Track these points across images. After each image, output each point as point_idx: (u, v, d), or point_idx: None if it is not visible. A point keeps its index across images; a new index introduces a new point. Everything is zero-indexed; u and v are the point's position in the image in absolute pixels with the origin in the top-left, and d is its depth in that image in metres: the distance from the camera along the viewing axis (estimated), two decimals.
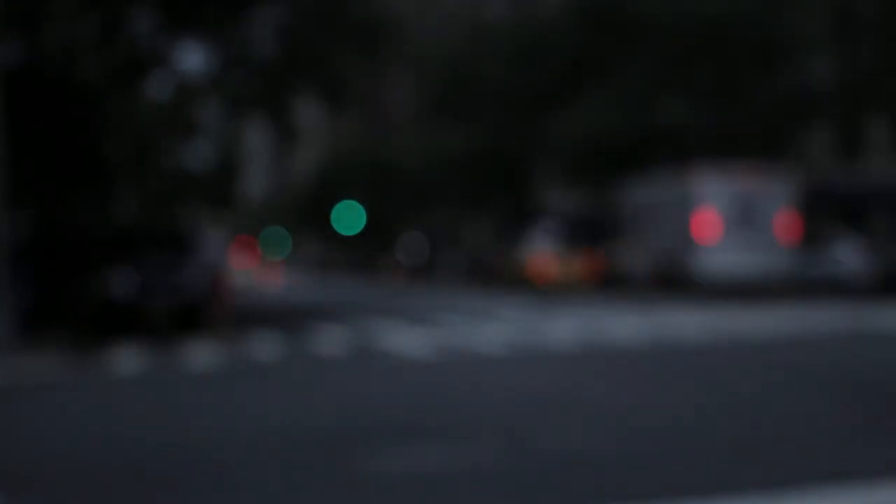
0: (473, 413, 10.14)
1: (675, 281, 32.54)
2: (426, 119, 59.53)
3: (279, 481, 7.32)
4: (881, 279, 30.87)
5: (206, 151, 53.89)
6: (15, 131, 20.72)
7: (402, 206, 67.79)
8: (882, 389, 10.95)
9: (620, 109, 39.86)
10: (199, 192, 54.06)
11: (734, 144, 39.77)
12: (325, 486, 7.15)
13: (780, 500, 6.30)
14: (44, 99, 22.85)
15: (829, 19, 42.20)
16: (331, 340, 18.47)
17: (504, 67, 47.60)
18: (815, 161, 44.82)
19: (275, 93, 28.49)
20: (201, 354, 16.85)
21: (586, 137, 41.42)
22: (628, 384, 11.91)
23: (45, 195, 23.40)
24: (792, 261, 32.16)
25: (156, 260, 20.96)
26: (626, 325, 19.85)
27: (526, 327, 20.06)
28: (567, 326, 19.93)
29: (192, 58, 30.45)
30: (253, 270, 55.09)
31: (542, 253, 40.25)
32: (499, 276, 44.54)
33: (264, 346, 17.78)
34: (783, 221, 31.84)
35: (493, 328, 20.05)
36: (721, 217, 31.53)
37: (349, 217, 75.87)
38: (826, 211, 43.61)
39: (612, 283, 38.16)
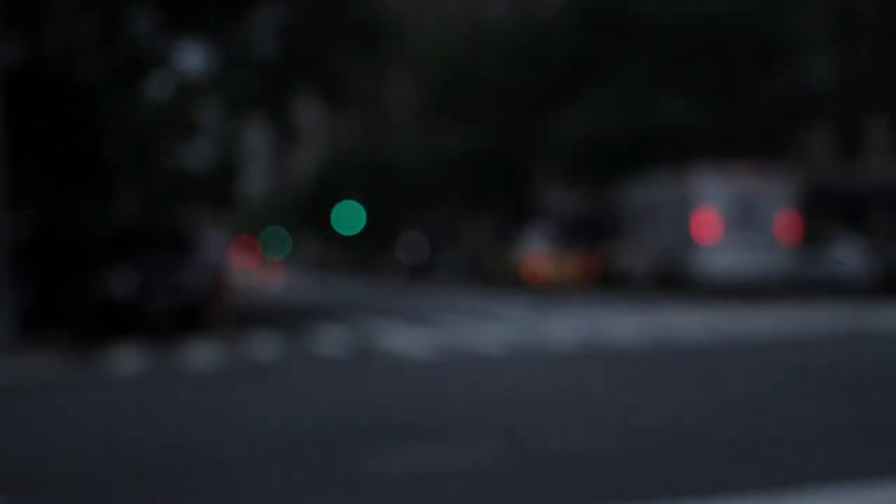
0: (473, 413, 10.14)
1: (675, 281, 32.54)
2: (426, 119, 59.51)
3: (279, 481, 7.32)
4: (881, 279, 30.86)
5: (206, 151, 53.91)
6: (15, 131, 20.73)
7: (402, 206, 67.77)
8: (882, 389, 10.95)
9: (620, 109, 39.85)
10: (199, 192, 54.06)
11: (734, 144, 39.77)
12: (325, 486, 7.15)
13: (780, 500, 6.30)
14: (44, 99, 22.85)
15: (829, 19, 42.19)
16: (331, 340, 18.47)
17: (504, 67, 47.59)
18: (815, 161, 44.82)
19: (275, 93, 28.50)
20: (201, 354, 16.85)
21: (586, 137, 41.41)
22: (628, 384, 11.91)
23: (45, 195, 23.40)
24: (792, 261, 32.16)
25: (156, 260, 20.96)
26: (626, 325, 19.85)
27: (526, 327, 20.06)
28: (567, 326, 19.93)
29: (192, 58, 30.47)
30: (253, 270, 55.06)
31: (537, 253, 40.23)
32: (496, 276, 44.53)
33: (264, 346, 17.79)
34: (783, 221, 31.84)
35: (493, 328, 20.05)
36: (721, 217, 31.53)
37: (349, 217, 75.85)
38: (826, 211, 43.59)
39: (612, 283, 38.16)
